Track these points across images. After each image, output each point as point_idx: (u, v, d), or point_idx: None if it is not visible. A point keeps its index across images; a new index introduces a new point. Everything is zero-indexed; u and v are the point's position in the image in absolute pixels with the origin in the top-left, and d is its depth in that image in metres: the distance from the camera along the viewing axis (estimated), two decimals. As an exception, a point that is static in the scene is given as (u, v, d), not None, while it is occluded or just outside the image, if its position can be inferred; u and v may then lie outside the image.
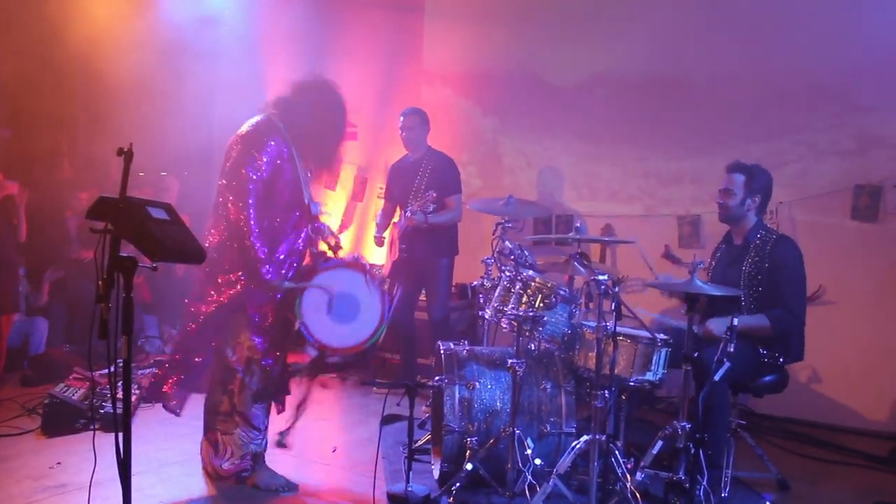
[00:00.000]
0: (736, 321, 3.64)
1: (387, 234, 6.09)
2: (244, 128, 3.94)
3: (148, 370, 6.40)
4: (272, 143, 3.84)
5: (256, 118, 3.98)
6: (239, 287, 3.88)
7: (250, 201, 3.75)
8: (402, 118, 5.96)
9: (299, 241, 4.02)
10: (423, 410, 5.14)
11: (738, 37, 6.07)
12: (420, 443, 4.65)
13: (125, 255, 2.56)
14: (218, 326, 3.96)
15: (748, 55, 6.02)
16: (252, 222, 3.75)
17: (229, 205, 3.80)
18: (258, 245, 3.76)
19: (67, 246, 6.75)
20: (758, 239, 4.40)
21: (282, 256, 3.92)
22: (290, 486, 4.05)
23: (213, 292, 3.90)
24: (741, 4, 6.12)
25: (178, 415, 4.12)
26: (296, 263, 4.01)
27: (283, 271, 3.91)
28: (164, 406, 4.08)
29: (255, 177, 3.77)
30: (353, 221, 7.95)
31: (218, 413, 4.02)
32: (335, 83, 4.13)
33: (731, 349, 3.67)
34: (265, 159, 3.80)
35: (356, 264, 4.05)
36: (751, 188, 4.41)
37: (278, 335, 4.01)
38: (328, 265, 4.04)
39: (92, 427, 4.66)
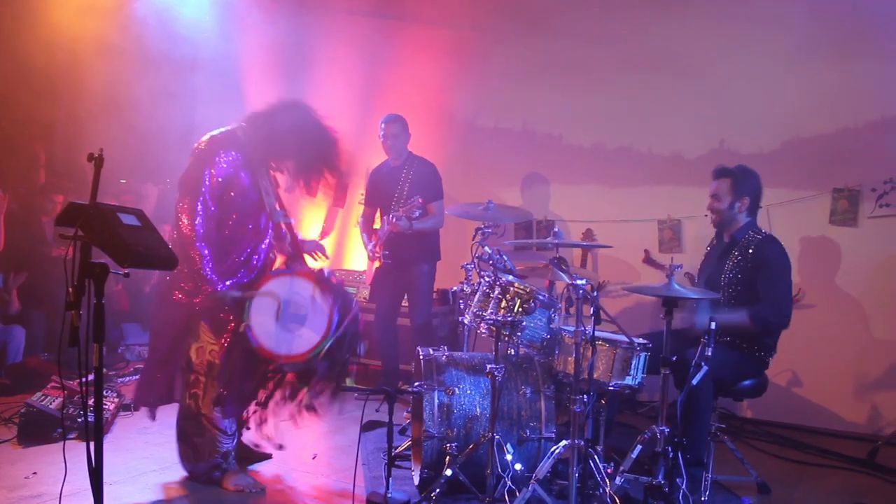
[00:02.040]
0: (713, 324, 3.65)
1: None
2: (203, 139, 4.05)
3: (129, 378, 6.39)
4: (226, 155, 3.94)
5: (218, 130, 4.08)
6: (201, 295, 3.94)
7: (199, 208, 3.87)
8: (383, 125, 5.94)
9: (261, 247, 4.10)
10: (404, 416, 5.13)
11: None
12: (400, 449, 4.63)
13: (97, 261, 2.53)
14: (182, 330, 4.03)
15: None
16: (198, 229, 3.85)
17: (181, 214, 3.90)
18: (203, 252, 3.86)
19: (42, 248, 6.68)
20: (744, 238, 4.41)
21: (239, 259, 4.02)
22: (258, 487, 4.08)
23: (179, 296, 3.98)
24: None
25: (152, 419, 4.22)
26: (252, 271, 4.08)
27: (231, 281, 3.97)
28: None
29: (203, 188, 3.88)
30: (335, 228, 7.93)
31: (188, 417, 4.07)
32: (309, 106, 4.17)
33: (709, 353, 3.68)
34: (216, 171, 3.90)
35: (309, 274, 4.07)
36: (737, 191, 4.42)
37: (241, 340, 4.01)
38: (281, 272, 4.09)
39: (66, 437, 4.63)
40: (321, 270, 4.16)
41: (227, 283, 3.94)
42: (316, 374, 4.08)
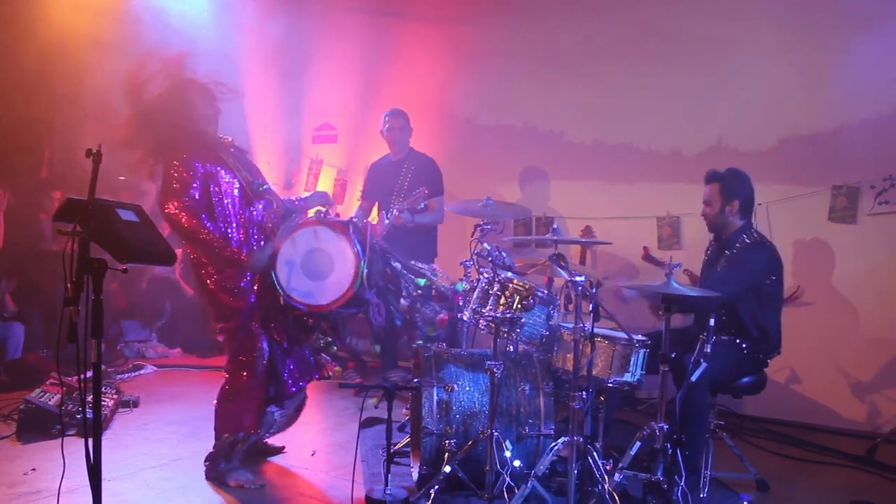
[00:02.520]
0: (712, 321, 3.66)
1: None
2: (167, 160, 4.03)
3: (128, 375, 6.40)
4: (192, 164, 3.95)
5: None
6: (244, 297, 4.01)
7: (187, 203, 3.90)
8: (388, 118, 5.94)
9: (254, 225, 4.15)
10: (402, 413, 5.13)
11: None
12: (399, 445, 4.63)
13: (95, 257, 2.53)
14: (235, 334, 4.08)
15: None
16: (200, 222, 3.90)
17: (181, 220, 3.91)
18: (216, 234, 3.92)
19: (41, 245, 6.68)
20: (736, 242, 4.41)
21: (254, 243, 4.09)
22: (258, 483, 4.10)
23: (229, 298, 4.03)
24: None
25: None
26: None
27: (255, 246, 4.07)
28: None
29: (181, 189, 3.92)
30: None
31: (224, 417, 4.11)
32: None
33: (708, 350, 3.69)
34: (188, 178, 3.92)
35: (309, 221, 4.11)
36: (727, 195, 4.43)
37: (279, 339, 4.12)
38: (283, 235, 4.09)
39: (65, 433, 4.63)
40: (318, 213, 4.21)
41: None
42: (369, 303, 4.11)
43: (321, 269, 4.02)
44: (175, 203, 3.89)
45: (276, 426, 4.44)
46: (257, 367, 4.03)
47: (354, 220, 4.22)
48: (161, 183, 4.00)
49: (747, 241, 4.40)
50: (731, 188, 4.43)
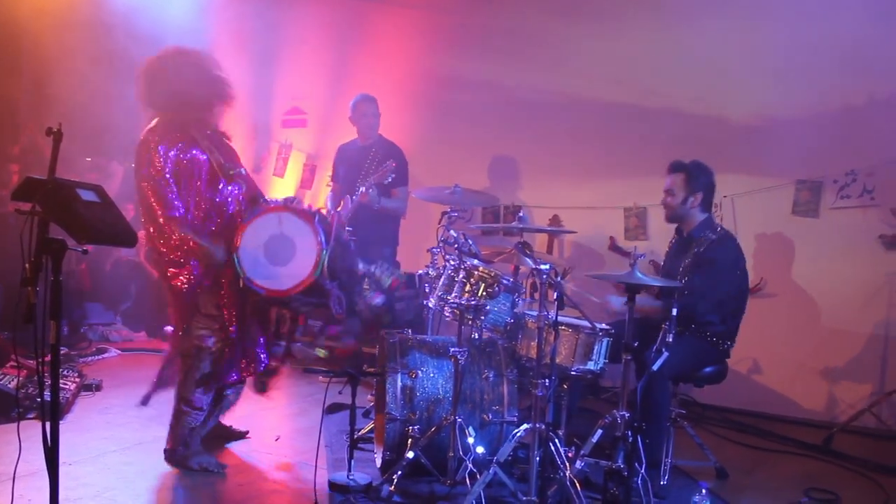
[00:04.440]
0: (674, 310, 3.70)
1: None
2: (142, 134, 4.00)
3: (91, 358, 6.34)
4: (160, 151, 3.89)
5: (146, 128, 4.02)
6: (185, 275, 3.95)
7: (161, 193, 3.88)
8: (362, 104, 5.91)
9: (227, 207, 4.09)
10: (367, 399, 5.13)
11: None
12: (363, 431, 4.64)
13: (54, 237, 2.50)
14: (176, 310, 4.07)
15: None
16: (174, 212, 3.88)
17: (150, 201, 3.90)
18: (172, 213, 3.89)
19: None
20: (700, 237, 4.44)
21: (213, 228, 4.04)
22: (220, 467, 4.08)
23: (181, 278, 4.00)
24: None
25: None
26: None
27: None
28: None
29: (154, 172, 3.88)
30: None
31: (179, 398, 4.10)
32: (180, 50, 4.12)
33: (670, 339, 3.73)
34: (159, 160, 3.88)
35: (275, 207, 4.09)
36: (691, 186, 4.45)
37: (248, 296, 4.07)
38: (250, 218, 4.06)
39: (24, 417, 4.58)
40: (286, 198, 4.20)
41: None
42: (330, 294, 4.09)
43: (283, 255, 4.00)
44: (146, 182, 3.89)
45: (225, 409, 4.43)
46: (201, 349, 4.03)
47: (322, 210, 4.21)
48: (135, 159, 3.97)
49: (713, 236, 4.42)
50: (696, 179, 4.45)
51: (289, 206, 4.12)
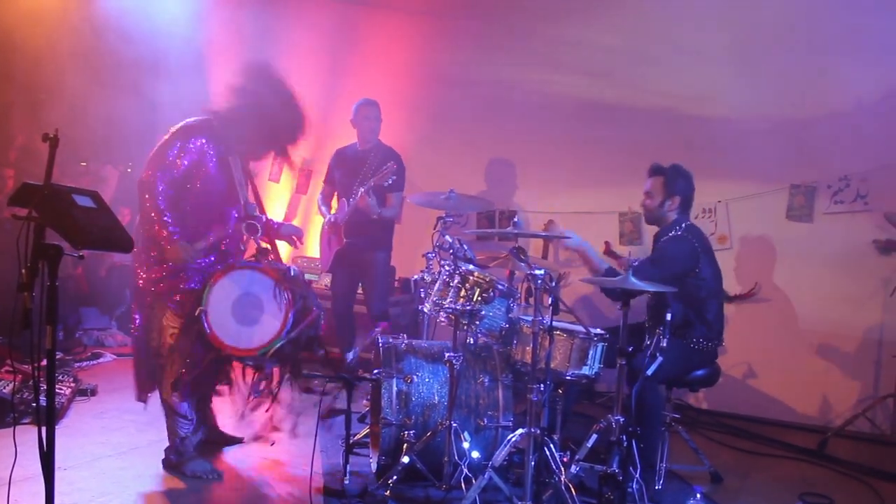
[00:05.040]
0: (669, 315, 3.72)
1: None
2: (179, 124, 4.02)
3: (87, 363, 6.33)
4: (195, 141, 3.93)
5: (194, 118, 4.05)
6: (164, 273, 3.94)
7: (160, 187, 3.86)
8: (365, 108, 5.91)
9: (225, 237, 4.11)
10: (363, 404, 5.13)
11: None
12: (359, 436, 4.64)
13: (50, 243, 2.51)
14: (145, 311, 4.03)
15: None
16: (160, 203, 3.85)
17: (144, 191, 3.89)
18: (165, 218, 3.85)
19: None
20: (663, 236, 4.46)
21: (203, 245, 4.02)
22: (215, 473, 4.07)
23: (141, 275, 3.99)
24: None
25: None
26: (214, 255, 4.09)
27: (203, 261, 4.02)
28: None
29: (164, 169, 3.88)
30: (297, 214, 7.90)
31: (162, 400, 4.08)
32: (279, 80, 4.19)
33: (664, 344, 3.74)
34: (183, 156, 3.90)
35: (273, 271, 3.97)
36: (669, 190, 4.45)
37: (196, 324, 3.98)
38: (246, 264, 4.03)
39: (19, 422, 4.56)
40: (287, 268, 4.06)
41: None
42: (263, 371, 4.03)
43: (247, 316, 3.92)
44: (150, 172, 3.89)
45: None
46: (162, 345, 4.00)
47: (293, 268, 4.10)
48: (156, 148, 3.97)
49: (671, 234, 4.42)
50: (674, 184, 4.45)
51: (286, 277, 3.99)
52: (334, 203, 6.04)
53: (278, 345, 3.87)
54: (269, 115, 4.01)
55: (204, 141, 3.95)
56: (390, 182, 5.44)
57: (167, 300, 3.97)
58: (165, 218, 3.85)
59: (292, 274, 4.03)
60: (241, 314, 3.91)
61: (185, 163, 3.91)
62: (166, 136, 3.98)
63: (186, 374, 3.99)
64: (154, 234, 3.87)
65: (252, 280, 3.94)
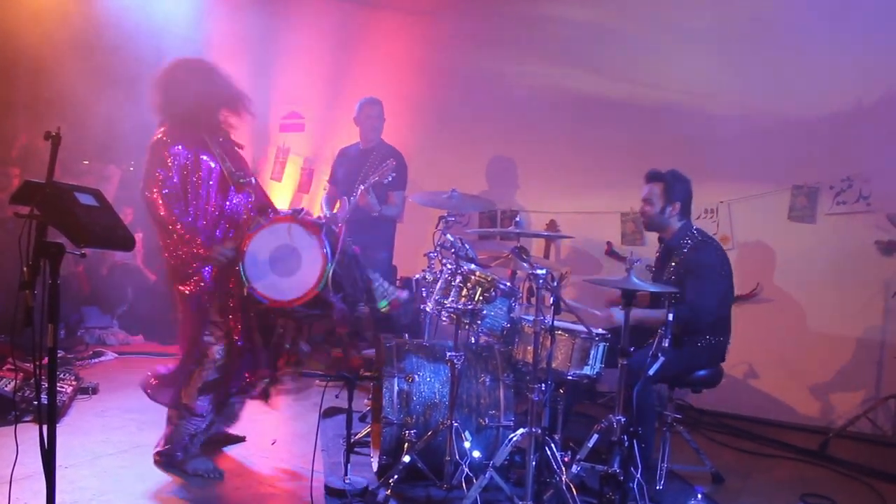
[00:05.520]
0: (670, 315, 3.71)
1: None
2: (151, 139, 4.02)
3: (88, 361, 6.33)
4: (172, 149, 3.93)
5: (155, 134, 4.04)
6: (194, 283, 3.97)
7: (164, 191, 3.89)
8: (367, 107, 5.90)
9: (230, 211, 4.12)
10: (364, 403, 5.14)
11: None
12: (360, 435, 4.64)
13: (52, 241, 2.51)
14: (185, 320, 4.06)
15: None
16: (174, 210, 3.89)
17: (159, 209, 3.90)
18: (186, 220, 3.91)
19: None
20: (678, 244, 4.44)
21: (219, 234, 4.06)
22: (217, 472, 4.08)
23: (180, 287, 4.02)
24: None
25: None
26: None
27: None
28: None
29: (163, 178, 3.90)
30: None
31: (177, 405, 4.09)
32: (191, 59, 4.18)
33: (666, 344, 3.74)
34: (170, 167, 3.91)
35: (284, 217, 4.09)
36: (668, 196, 4.44)
37: (234, 326, 4.06)
38: (258, 227, 4.07)
39: (21, 420, 4.57)
40: (295, 210, 4.18)
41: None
42: (333, 306, 4.07)
43: (289, 266, 4.00)
44: (155, 190, 3.89)
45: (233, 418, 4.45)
46: (206, 356, 4.03)
47: (329, 222, 4.20)
48: (145, 166, 3.97)
49: (690, 243, 4.41)
50: (674, 189, 4.44)
51: (297, 217, 4.10)
52: (338, 205, 6.03)
53: (330, 270, 3.96)
54: (198, 91, 4.02)
55: (180, 147, 3.95)
56: (390, 179, 5.42)
57: (200, 309, 4.02)
58: (181, 225, 3.88)
59: (301, 212, 4.15)
60: (283, 268, 4.00)
61: (176, 177, 3.92)
62: (146, 156, 4.00)
63: (223, 383, 4.06)
64: (184, 244, 3.90)
65: (271, 235, 4.03)
